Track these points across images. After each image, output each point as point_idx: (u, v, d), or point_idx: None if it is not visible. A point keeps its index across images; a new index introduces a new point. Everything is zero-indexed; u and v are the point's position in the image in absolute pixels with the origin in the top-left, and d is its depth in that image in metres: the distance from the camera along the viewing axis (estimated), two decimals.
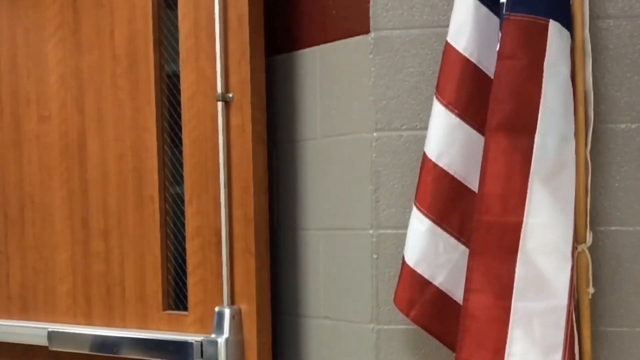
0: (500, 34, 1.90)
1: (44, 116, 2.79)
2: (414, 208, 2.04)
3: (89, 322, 2.67)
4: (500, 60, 1.89)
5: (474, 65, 2.00)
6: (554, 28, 1.89)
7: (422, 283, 2.04)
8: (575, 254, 1.94)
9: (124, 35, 2.60)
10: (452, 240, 2.03)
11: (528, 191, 1.87)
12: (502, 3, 1.91)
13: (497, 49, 1.91)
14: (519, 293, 1.86)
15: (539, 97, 1.87)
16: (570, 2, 1.96)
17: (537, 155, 1.87)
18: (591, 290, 1.99)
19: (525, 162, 1.87)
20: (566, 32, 1.92)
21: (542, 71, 1.87)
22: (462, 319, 1.89)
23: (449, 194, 2.02)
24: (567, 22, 1.93)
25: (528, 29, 1.88)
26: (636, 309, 2.03)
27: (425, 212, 2.03)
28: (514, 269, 1.86)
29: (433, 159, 2.02)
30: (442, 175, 2.02)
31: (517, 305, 1.86)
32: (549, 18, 1.89)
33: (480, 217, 1.88)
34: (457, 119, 2.00)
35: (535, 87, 1.87)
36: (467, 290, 1.89)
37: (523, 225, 1.86)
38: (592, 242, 1.99)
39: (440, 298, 2.04)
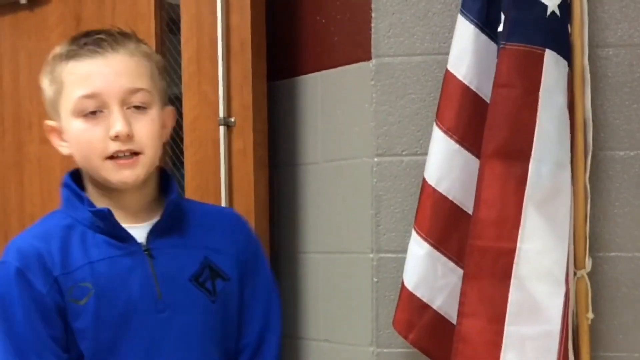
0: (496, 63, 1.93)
1: (46, 139, 2.80)
2: (413, 232, 2.06)
3: None
4: (495, 89, 1.92)
5: (474, 92, 2.03)
6: (550, 57, 1.92)
7: (421, 306, 2.05)
8: (571, 279, 1.97)
9: None
10: (451, 264, 2.05)
11: (522, 217, 1.90)
12: (499, 32, 1.94)
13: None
14: (512, 317, 1.88)
15: (534, 124, 1.90)
16: (569, 31, 1.99)
17: (532, 182, 1.90)
18: (590, 315, 2.01)
19: (520, 188, 1.90)
20: (563, 61, 1.95)
21: (537, 99, 1.90)
22: (455, 343, 1.91)
23: (448, 219, 2.05)
24: (565, 51, 1.96)
25: (523, 58, 1.91)
26: (635, 334, 2.05)
27: (424, 236, 2.05)
28: (507, 293, 1.88)
29: (432, 184, 2.04)
30: (441, 200, 2.04)
31: (510, 330, 1.88)
32: (545, 47, 1.92)
33: (473, 242, 1.91)
34: (457, 145, 2.03)
35: (530, 114, 1.90)
36: (460, 314, 1.91)
37: (516, 251, 1.89)
38: (592, 268, 2.01)
39: (439, 321, 2.06)
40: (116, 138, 1.59)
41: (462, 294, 1.91)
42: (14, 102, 2.84)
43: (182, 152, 2.54)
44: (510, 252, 1.89)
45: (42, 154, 2.81)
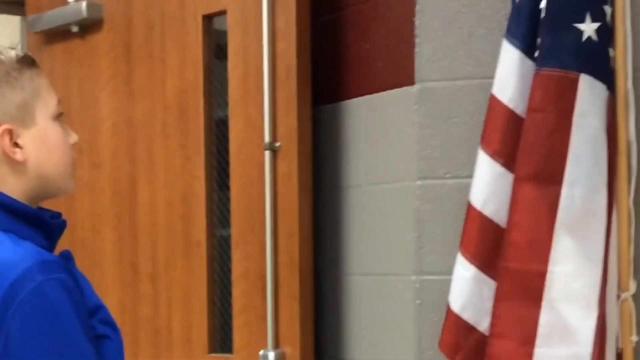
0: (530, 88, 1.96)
1: (96, 163, 2.87)
2: (459, 255, 2.08)
3: None
4: (529, 114, 1.95)
5: (519, 117, 2.04)
6: (585, 82, 1.93)
7: (468, 328, 2.06)
8: (613, 302, 1.97)
9: (175, 86, 2.68)
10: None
11: (554, 240, 1.91)
12: (536, 57, 1.97)
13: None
14: (543, 339, 1.89)
15: (567, 148, 1.92)
16: (611, 54, 2.00)
17: (564, 205, 1.91)
18: (635, 338, 2.00)
19: (552, 211, 1.91)
20: (601, 85, 1.96)
21: (570, 123, 1.92)
22: None
23: (494, 242, 2.05)
24: (603, 75, 1.97)
25: (558, 83, 1.93)
26: None
27: (470, 259, 2.06)
28: (538, 315, 1.90)
29: (478, 207, 2.06)
30: (487, 223, 2.05)
31: (540, 352, 1.89)
32: (580, 72, 1.93)
33: (506, 264, 1.93)
34: (502, 169, 2.04)
35: (563, 138, 1.92)
36: (492, 335, 1.93)
37: (548, 274, 1.90)
38: (636, 291, 2.01)
39: (485, 343, 2.06)
40: (74, 146, 1.55)
41: (494, 315, 1.93)
42: None
43: (228, 176, 2.58)
44: (542, 275, 1.91)
45: (92, 179, 2.87)
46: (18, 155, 1.46)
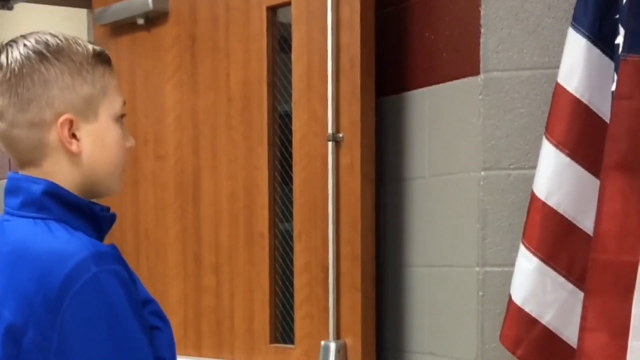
0: (615, 75, 1.91)
1: (161, 155, 2.90)
2: (522, 246, 2.05)
3: (199, 354, 2.74)
4: (616, 101, 1.89)
5: (585, 105, 2.01)
6: None
7: (530, 321, 2.03)
8: None
9: (239, 78, 2.70)
10: (561, 279, 2.03)
11: None
12: (617, 44, 1.93)
13: (612, 89, 1.92)
14: (636, 332, 1.83)
15: None
16: None
17: None
18: None
19: None
20: None
21: None
22: (577, 358, 1.88)
23: (558, 233, 2.03)
24: None
25: None
26: None
27: (534, 251, 2.03)
28: (630, 307, 1.84)
29: (542, 198, 2.03)
30: (551, 214, 2.02)
31: (634, 345, 1.83)
32: None
33: (595, 255, 1.87)
34: (567, 159, 2.01)
35: None
36: (582, 329, 1.87)
37: (639, 264, 1.85)
38: None
39: (548, 337, 2.03)
40: (129, 150, 1.55)
41: (584, 308, 1.88)
42: (130, 120, 2.94)
43: (291, 167, 2.59)
44: (633, 266, 1.84)
45: (156, 170, 2.90)
46: (74, 146, 1.46)
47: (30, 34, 1.49)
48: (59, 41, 1.48)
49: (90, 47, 1.50)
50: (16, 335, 1.37)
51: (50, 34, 1.49)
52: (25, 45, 1.47)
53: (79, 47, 1.49)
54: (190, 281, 2.79)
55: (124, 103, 1.53)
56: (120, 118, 1.52)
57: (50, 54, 1.46)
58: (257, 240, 2.64)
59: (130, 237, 2.98)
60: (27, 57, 1.46)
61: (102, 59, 1.51)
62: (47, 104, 1.45)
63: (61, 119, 1.45)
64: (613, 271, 1.85)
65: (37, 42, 1.47)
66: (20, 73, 1.44)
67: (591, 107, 2.01)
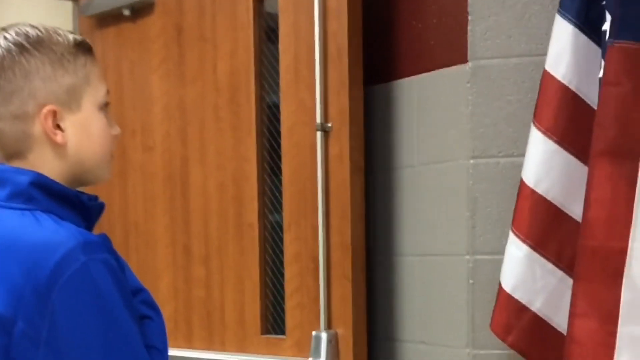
0: (602, 61, 1.91)
1: (149, 146, 2.89)
2: (511, 234, 2.05)
3: (190, 346, 2.74)
4: (604, 87, 1.89)
5: (573, 92, 2.01)
6: None
7: (519, 308, 2.04)
8: None
9: (226, 68, 2.69)
10: (550, 265, 2.03)
11: (633, 216, 1.85)
12: (604, 31, 1.92)
13: (599, 76, 1.91)
14: (625, 318, 1.84)
15: None
16: None
17: None
18: None
19: (631, 187, 1.85)
20: None
21: None
22: (567, 345, 1.88)
23: (547, 220, 2.03)
24: None
25: (633, 56, 1.88)
26: None
27: (523, 238, 2.03)
28: (619, 293, 1.84)
29: (531, 185, 2.03)
30: (540, 201, 2.02)
31: (624, 331, 1.84)
32: None
33: (584, 242, 1.87)
34: (556, 145, 2.01)
35: None
36: (572, 315, 1.88)
37: (628, 250, 1.84)
38: None
39: (538, 323, 2.04)
40: (115, 137, 1.55)
41: (573, 294, 1.88)
42: (117, 111, 2.94)
43: (280, 158, 2.58)
44: (622, 252, 1.85)
45: (145, 161, 2.89)
46: (59, 137, 1.46)
47: (10, 26, 1.48)
48: (39, 32, 1.47)
49: (71, 36, 1.49)
50: (6, 326, 1.36)
51: (30, 26, 1.49)
52: (5, 37, 1.46)
53: (59, 38, 1.48)
54: (180, 273, 2.78)
55: (108, 91, 1.52)
56: (104, 106, 1.51)
57: (31, 45, 1.45)
58: (247, 231, 2.63)
59: (119, 229, 2.97)
60: (8, 50, 1.45)
61: (83, 48, 1.50)
62: (30, 95, 1.45)
63: (44, 110, 1.45)
64: (602, 257, 1.85)
65: (17, 34, 1.46)
66: (1, 66, 1.44)
67: (579, 93, 2.01)
